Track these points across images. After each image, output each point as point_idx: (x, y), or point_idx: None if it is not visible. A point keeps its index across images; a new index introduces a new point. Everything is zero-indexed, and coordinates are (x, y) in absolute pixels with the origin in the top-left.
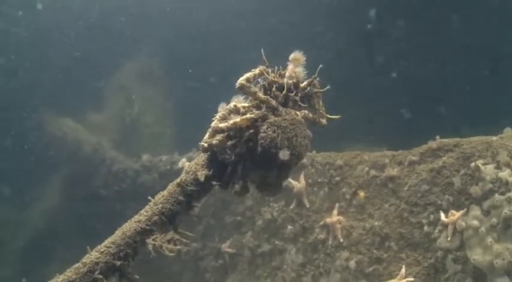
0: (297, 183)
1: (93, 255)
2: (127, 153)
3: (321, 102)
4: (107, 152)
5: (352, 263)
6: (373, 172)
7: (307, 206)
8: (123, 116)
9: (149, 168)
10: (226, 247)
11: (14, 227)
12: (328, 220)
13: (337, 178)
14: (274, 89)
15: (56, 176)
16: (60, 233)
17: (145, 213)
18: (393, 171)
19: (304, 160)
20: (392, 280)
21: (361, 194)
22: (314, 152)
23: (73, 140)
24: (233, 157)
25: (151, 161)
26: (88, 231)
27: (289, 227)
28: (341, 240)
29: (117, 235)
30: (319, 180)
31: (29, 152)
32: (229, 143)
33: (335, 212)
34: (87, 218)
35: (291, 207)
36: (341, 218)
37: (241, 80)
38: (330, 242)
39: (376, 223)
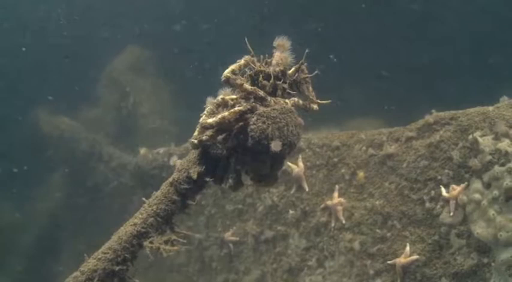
0: (295, 167)
1: (90, 263)
2: (125, 147)
3: (310, 88)
4: (104, 147)
5: (356, 244)
6: (371, 151)
7: (307, 189)
8: (119, 109)
9: (147, 161)
10: (229, 236)
11: (19, 227)
12: (329, 202)
13: (335, 159)
14: (261, 78)
15: (55, 174)
16: (64, 230)
17: (140, 216)
18: (391, 148)
19: (301, 143)
20: (397, 259)
21: (360, 174)
22: (310, 134)
23: (70, 138)
24: (225, 151)
25: (149, 154)
26: (91, 226)
27: (291, 211)
28: (343, 221)
29: (114, 240)
30: (317, 162)
31: (27, 152)
32: (220, 137)
33: (335, 194)
34: (89, 213)
35: (292, 191)
36: (342, 199)
37: (227, 72)
38: (332, 225)
39: (377, 202)
